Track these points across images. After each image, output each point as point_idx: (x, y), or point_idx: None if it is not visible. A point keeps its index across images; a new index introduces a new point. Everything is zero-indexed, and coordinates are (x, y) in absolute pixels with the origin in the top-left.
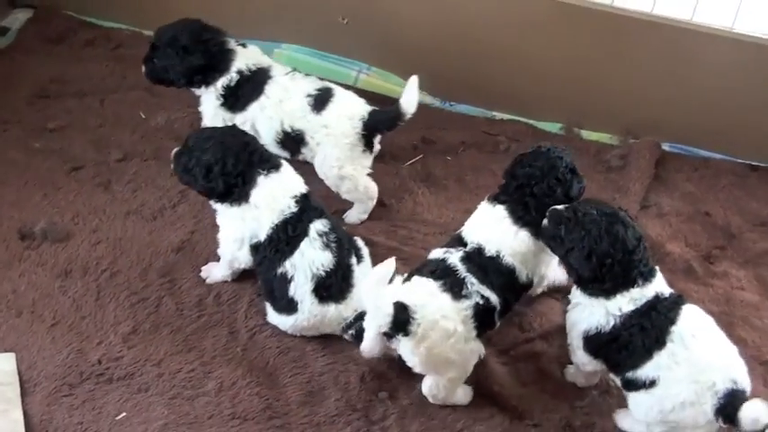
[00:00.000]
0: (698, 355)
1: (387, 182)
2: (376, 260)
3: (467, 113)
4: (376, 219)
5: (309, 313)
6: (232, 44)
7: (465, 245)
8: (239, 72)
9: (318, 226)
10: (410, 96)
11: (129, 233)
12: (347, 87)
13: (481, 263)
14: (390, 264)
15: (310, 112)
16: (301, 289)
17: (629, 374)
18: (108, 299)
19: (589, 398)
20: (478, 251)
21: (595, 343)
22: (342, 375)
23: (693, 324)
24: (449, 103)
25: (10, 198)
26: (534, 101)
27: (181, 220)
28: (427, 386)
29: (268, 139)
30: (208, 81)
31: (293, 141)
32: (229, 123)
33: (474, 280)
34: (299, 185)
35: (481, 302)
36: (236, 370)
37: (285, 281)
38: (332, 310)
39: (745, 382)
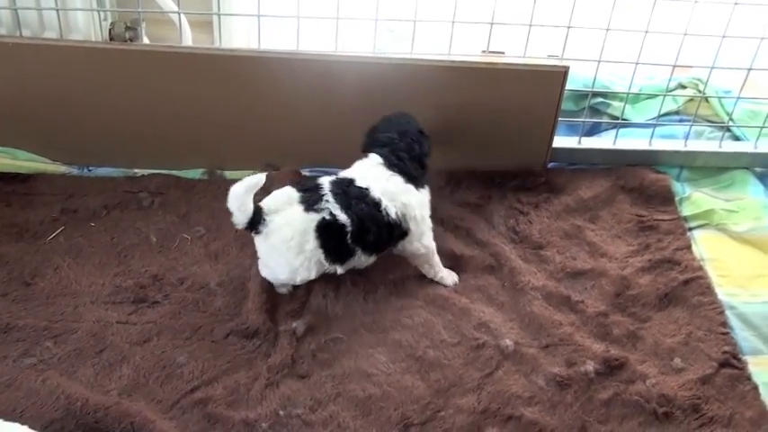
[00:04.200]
0: None
1: (28, 261)
2: (25, 344)
3: (107, 176)
4: (21, 301)
5: None
6: None
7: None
8: None
9: None
10: None
11: None
12: None
13: (348, 190)
14: (261, 177)
15: None
16: None
17: None
18: None
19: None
20: (350, 181)
21: None
22: None
23: None
24: (87, 168)
25: None
26: (173, 151)
27: None
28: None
29: None
30: None
31: None
32: None
33: (330, 198)
34: None
35: (328, 218)
36: None
37: None
38: None
39: None
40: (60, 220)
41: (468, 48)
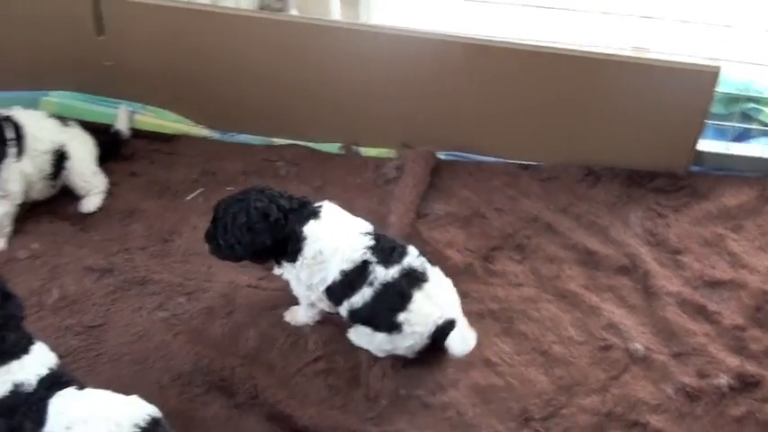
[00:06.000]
0: None
1: (167, 218)
2: (160, 297)
3: (246, 143)
4: (158, 256)
5: None
6: None
7: None
8: None
9: None
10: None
11: None
12: None
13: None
14: None
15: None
16: None
17: None
18: None
19: (379, 408)
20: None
21: None
22: None
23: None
24: (228, 133)
25: None
26: (312, 124)
27: None
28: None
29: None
30: None
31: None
32: None
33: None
34: None
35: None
36: None
37: None
38: None
39: (146, 414)
40: (200, 181)
41: (610, 41)
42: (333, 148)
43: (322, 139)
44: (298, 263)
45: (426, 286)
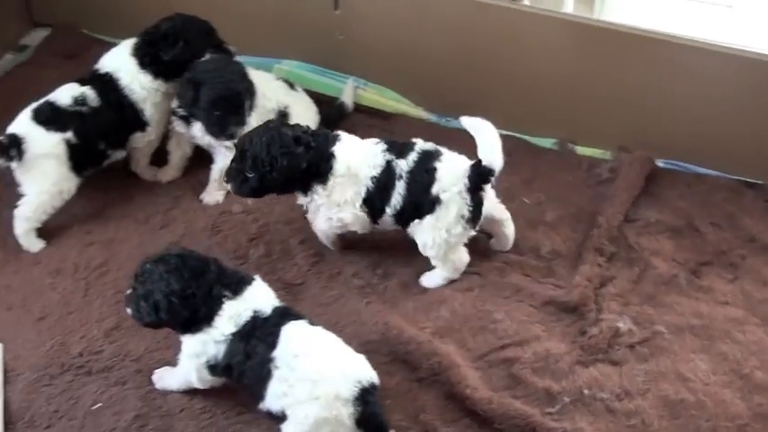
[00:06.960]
0: (307, 371)
1: None
2: (357, 267)
3: (461, 128)
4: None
5: None
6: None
7: None
8: None
9: None
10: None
11: (120, 235)
12: None
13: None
14: None
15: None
16: None
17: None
18: (95, 296)
19: (560, 404)
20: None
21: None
22: None
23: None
24: (445, 118)
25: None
26: (528, 116)
27: (172, 224)
28: None
29: None
30: None
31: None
32: None
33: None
34: None
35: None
36: None
37: None
38: None
39: (370, 376)
40: None
41: None
42: (547, 143)
43: (537, 133)
44: (330, 182)
45: (443, 157)
